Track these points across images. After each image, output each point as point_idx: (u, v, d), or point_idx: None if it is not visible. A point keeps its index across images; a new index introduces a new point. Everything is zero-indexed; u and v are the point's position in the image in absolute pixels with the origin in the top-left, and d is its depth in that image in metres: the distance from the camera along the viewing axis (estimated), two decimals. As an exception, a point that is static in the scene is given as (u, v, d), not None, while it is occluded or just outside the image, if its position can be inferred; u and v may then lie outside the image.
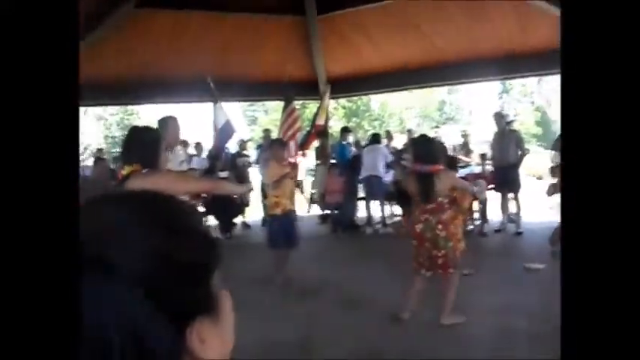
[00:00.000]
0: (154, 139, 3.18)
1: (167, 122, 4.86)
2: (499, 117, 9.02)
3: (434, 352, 4.15)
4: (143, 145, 3.11)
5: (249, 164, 10.88)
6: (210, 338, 0.57)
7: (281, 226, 6.24)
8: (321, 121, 10.18)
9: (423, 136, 5.31)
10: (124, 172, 3.05)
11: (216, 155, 9.22)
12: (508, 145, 8.63)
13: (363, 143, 11.51)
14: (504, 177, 8.57)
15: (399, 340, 4.41)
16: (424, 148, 4.82)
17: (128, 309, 0.50)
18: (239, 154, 10.68)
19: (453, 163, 6.42)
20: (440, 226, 4.56)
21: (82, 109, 16.29)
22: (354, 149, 10.78)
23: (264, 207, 10.71)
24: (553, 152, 10.39)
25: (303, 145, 9.56)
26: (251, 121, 30.91)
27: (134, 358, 0.49)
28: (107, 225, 0.54)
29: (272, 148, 6.54)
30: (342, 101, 26.78)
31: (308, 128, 10.77)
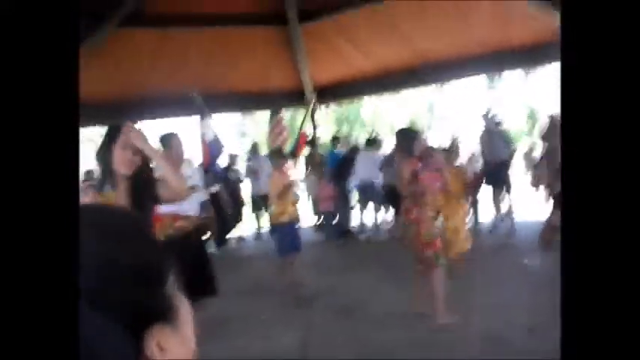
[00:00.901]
0: (104, 139, 2.79)
1: (169, 139, 4.79)
2: (487, 117, 9.04)
3: (431, 354, 4.13)
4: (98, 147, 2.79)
5: (240, 180, 10.86)
6: (170, 345, 0.57)
7: (288, 234, 6.27)
8: (306, 129, 10.18)
9: (399, 130, 5.32)
10: None
11: (206, 170, 9.18)
12: (497, 143, 8.65)
13: (354, 145, 11.56)
14: (495, 175, 8.59)
15: (396, 344, 4.39)
16: (396, 142, 4.97)
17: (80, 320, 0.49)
18: (230, 169, 10.64)
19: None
20: (404, 213, 4.69)
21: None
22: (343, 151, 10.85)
23: (257, 218, 10.73)
24: (532, 142, 10.39)
25: (292, 155, 9.54)
26: (241, 134, 30.83)
27: None
28: None
29: (273, 158, 6.55)
30: (332, 108, 26.73)
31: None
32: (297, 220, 6.49)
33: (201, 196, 5.08)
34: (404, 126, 7.94)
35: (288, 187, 6.14)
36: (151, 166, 2.76)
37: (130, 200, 2.60)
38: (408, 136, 4.79)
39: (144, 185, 2.66)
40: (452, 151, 6.90)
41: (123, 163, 2.60)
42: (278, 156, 6.49)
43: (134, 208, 2.56)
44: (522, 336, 4.20)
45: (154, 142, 4.93)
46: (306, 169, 11.37)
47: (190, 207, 4.87)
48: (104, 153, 2.66)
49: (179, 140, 4.84)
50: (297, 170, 9.83)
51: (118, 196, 2.59)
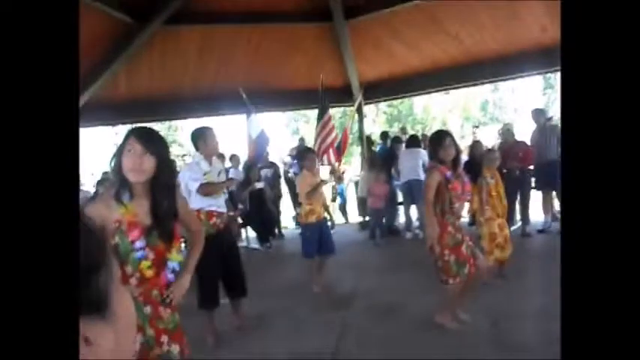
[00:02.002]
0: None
1: (203, 133, 4.90)
2: (538, 113, 8.77)
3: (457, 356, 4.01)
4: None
5: (279, 176, 10.88)
6: (102, 339, 0.55)
7: (315, 235, 6.20)
8: (350, 127, 10.04)
9: (433, 133, 5.17)
10: None
11: (252, 166, 9.25)
12: (549, 141, 8.35)
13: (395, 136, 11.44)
14: (546, 174, 8.29)
15: (435, 349, 4.28)
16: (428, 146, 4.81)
17: None
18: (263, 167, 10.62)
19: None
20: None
21: (118, 129, 16.66)
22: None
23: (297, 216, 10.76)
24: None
25: (337, 153, 9.48)
26: (294, 131, 31.04)
27: None
28: None
29: (303, 157, 6.50)
30: (384, 107, 26.60)
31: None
32: (326, 221, 6.42)
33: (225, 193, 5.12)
34: (460, 127, 7.62)
35: (316, 187, 6.07)
36: (170, 172, 2.52)
37: (150, 211, 2.39)
38: (434, 140, 4.57)
39: (161, 194, 2.42)
40: (495, 150, 6.62)
41: (131, 169, 2.35)
42: (308, 155, 6.43)
43: (155, 220, 2.37)
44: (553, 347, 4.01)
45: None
46: (362, 168, 11.26)
47: (222, 204, 4.93)
48: (115, 159, 2.44)
49: (212, 134, 4.92)
50: (342, 167, 9.74)
51: (137, 207, 2.37)
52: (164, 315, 2.42)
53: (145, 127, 2.54)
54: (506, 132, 8.76)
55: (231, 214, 5.11)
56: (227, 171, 9.57)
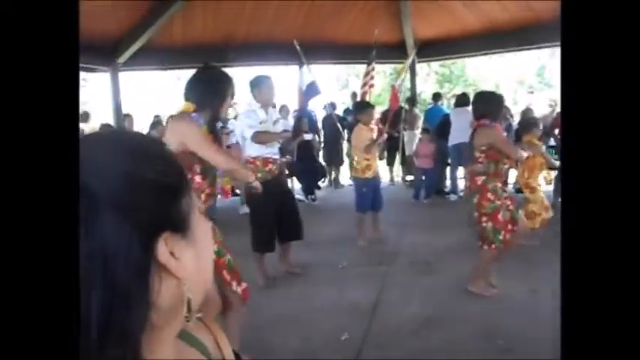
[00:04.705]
0: (222, 81, 3.11)
1: (260, 82, 4.96)
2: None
3: (495, 321, 4.06)
4: (206, 85, 3.06)
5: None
6: (185, 257, 0.60)
7: (371, 189, 6.27)
8: (400, 84, 9.88)
9: (479, 92, 5.10)
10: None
11: (301, 117, 9.27)
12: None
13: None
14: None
15: (464, 308, 4.36)
16: (475, 103, 4.77)
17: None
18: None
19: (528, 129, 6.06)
20: (468, 177, 4.56)
21: (179, 73, 16.81)
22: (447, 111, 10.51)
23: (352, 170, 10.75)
24: None
25: (388, 111, 9.41)
26: (343, 85, 30.82)
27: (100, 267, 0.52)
28: (83, 154, 0.55)
29: (361, 111, 6.47)
30: (435, 66, 26.07)
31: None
32: (379, 176, 6.45)
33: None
34: (513, 92, 7.42)
35: (374, 142, 6.05)
36: None
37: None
38: (496, 102, 4.56)
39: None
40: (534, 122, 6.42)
41: (226, 109, 3.25)
42: (366, 110, 6.40)
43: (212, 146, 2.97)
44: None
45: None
46: (403, 125, 11.10)
47: (277, 151, 5.01)
48: (222, 97, 3.10)
49: (271, 83, 4.96)
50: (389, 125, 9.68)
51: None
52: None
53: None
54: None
55: (284, 159, 5.20)
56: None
